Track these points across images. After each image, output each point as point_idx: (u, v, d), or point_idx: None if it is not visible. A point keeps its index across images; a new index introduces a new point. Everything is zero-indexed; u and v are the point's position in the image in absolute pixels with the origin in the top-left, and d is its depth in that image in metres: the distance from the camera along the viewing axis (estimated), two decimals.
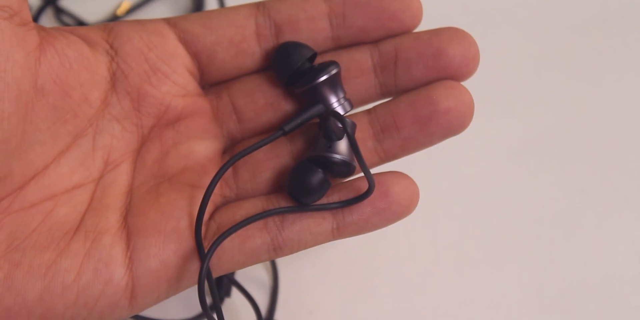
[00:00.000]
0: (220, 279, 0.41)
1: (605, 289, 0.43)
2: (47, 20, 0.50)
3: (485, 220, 0.45)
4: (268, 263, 0.43)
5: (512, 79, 0.50)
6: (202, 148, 0.35)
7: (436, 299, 0.43)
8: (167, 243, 0.32)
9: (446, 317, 0.42)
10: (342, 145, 0.32)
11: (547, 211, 0.45)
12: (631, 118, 0.49)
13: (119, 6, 0.51)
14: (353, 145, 0.30)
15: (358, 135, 0.34)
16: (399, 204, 0.33)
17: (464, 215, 0.45)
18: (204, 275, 0.30)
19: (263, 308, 0.42)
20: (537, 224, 0.45)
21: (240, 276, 0.43)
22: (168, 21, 0.35)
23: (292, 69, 0.33)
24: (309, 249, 0.38)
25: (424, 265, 0.44)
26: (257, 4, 0.35)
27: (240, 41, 0.34)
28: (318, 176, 0.32)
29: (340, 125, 0.32)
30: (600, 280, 0.43)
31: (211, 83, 0.36)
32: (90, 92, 0.33)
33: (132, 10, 0.50)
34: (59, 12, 0.50)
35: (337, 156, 0.32)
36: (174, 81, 0.34)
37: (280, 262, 0.43)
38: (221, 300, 0.41)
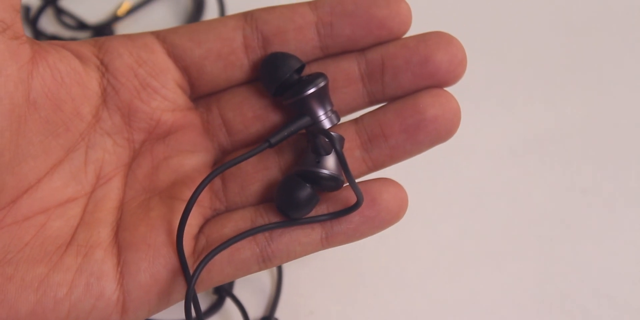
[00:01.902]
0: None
1: (605, 289, 0.43)
2: (47, 20, 0.50)
3: (485, 221, 0.45)
4: None
5: (513, 78, 0.50)
6: (192, 161, 0.35)
7: (436, 300, 0.43)
8: (157, 257, 0.32)
9: (446, 318, 0.42)
10: (330, 159, 0.33)
11: (548, 211, 0.45)
12: (632, 118, 0.48)
13: (119, 6, 0.50)
14: (342, 163, 0.30)
15: (346, 145, 0.34)
16: (388, 212, 0.33)
17: (464, 215, 0.45)
18: (190, 298, 0.30)
19: (262, 307, 0.42)
20: (537, 224, 0.45)
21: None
22: (157, 35, 0.35)
23: (280, 80, 0.33)
24: None
25: (424, 265, 0.44)
26: (244, 15, 0.35)
27: (229, 54, 0.34)
28: (306, 191, 0.32)
29: (328, 142, 0.32)
30: (600, 281, 0.43)
31: (202, 95, 0.36)
32: (81, 106, 0.33)
33: (132, 10, 0.50)
34: (59, 12, 0.50)
35: (326, 171, 0.32)
36: (164, 96, 0.34)
37: None
38: (223, 300, 0.42)
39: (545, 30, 0.52)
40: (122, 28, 0.50)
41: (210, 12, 0.51)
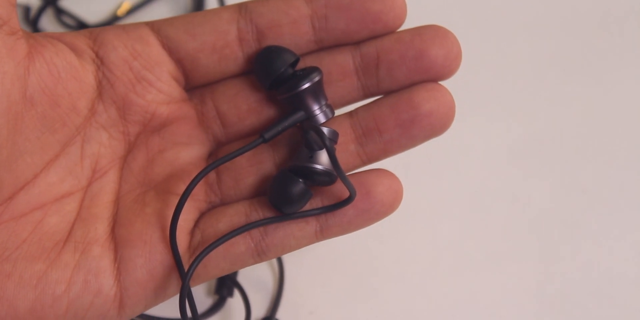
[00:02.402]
0: (222, 279, 0.42)
1: (605, 289, 0.43)
2: (47, 21, 0.50)
3: (485, 221, 0.45)
4: (275, 264, 0.43)
5: (512, 79, 0.50)
6: (187, 154, 0.35)
7: (436, 300, 0.43)
8: (153, 253, 0.32)
9: (447, 318, 0.42)
10: (324, 154, 0.33)
11: (548, 212, 0.45)
12: (631, 118, 0.48)
13: (119, 6, 0.51)
14: (332, 159, 0.30)
15: (340, 139, 0.34)
16: (382, 204, 0.33)
17: (464, 216, 0.45)
18: (185, 297, 0.30)
19: (264, 307, 0.42)
20: (537, 225, 0.45)
21: (245, 275, 0.43)
22: (152, 26, 0.35)
23: (274, 74, 0.33)
24: (309, 251, 0.39)
25: (424, 266, 0.44)
26: (239, 7, 0.34)
27: (223, 47, 0.34)
28: (299, 187, 0.32)
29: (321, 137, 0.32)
30: (600, 281, 0.43)
31: (196, 86, 0.36)
32: (78, 101, 0.33)
33: (132, 10, 0.50)
34: (59, 12, 0.50)
35: (319, 166, 0.32)
36: (159, 89, 0.34)
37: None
38: (224, 300, 0.42)
39: (545, 29, 0.51)
40: None
41: None
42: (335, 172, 0.31)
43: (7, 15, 0.29)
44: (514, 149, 0.47)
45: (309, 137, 0.32)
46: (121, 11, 0.50)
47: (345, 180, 0.31)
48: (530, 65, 0.50)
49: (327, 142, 0.30)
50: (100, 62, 0.33)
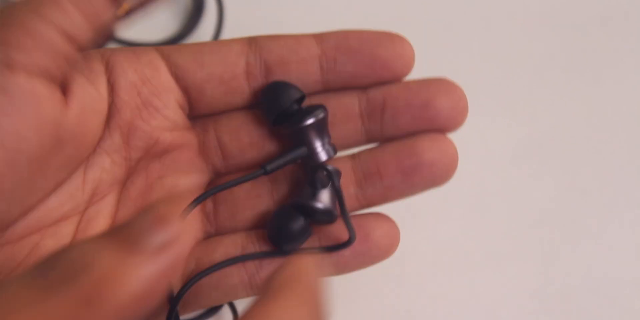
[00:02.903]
0: None
1: (606, 290, 0.43)
2: None
3: (486, 222, 0.45)
4: None
5: (513, 80, 0.49)
6: (186, 182, 0.35)
7: (437, 301, 0.43)
8: None
9: (446, 319, 0.43)
10: (326, 193, 0.33)
11: (549, 213, 0.45)
12: (632, 119, 0.49)
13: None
14: (340, 200, 0.31)
15: (341, 180, 0.34)
16: (379, 249, 0.33)
17: (465, 216, 0.45)
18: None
19: None
20: (538, 226, 0.45)
21: None
22: (161, 52, 0.34)
23: (280, 109, 0.33)
24: None
25: (424, 266, 0.44)
26: (249, 41, 0.34)
27: (230, 79, 0.34)
28: (299, 223, 0.32)
29: (327, 177, 0.32)
30: (601, 282, 0.43)
31: (199, 115, 0.36)
32: (96, 136, 0.33)
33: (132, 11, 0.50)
34: None
35: (321, 205, 0.32)
36: (165, 115, 0.34)
37: None
38: (218, 307, 0.42)
39: (546, 31, 0.51)
40: (121, 29, 0.49)
41: (210, 12, 0.51)
42: (340, 212, 0.31)
43: (55, 69, 0.29)
44: (515, 149, 0.47)
45: (315, 175, 0.32)
46: (121, 12, 0.49)
47: (348, 223, 0.31)
48: (532, 66, 0.50)
49: (338, 183, 0.30)
50: (111, 88, 0.33)
